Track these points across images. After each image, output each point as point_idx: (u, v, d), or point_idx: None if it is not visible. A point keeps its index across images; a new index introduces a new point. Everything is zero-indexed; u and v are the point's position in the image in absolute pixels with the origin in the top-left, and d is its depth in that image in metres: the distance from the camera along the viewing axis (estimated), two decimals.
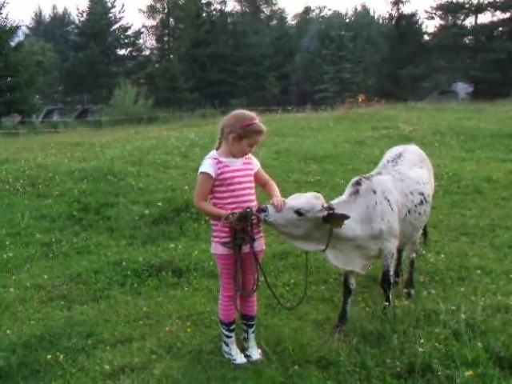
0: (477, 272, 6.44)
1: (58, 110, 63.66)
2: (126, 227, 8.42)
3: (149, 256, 7.15)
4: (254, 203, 4.67)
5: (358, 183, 5.10)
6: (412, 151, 5.99)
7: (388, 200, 5.11)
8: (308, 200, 4.64)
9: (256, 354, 4.77)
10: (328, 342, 4.83)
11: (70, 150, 15.30)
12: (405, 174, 5.52)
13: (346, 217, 4.64)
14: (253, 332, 4.85)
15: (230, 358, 4.72)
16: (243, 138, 4.51)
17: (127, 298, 6.17)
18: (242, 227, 4.43)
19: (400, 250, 6.22)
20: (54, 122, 49.06)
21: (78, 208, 9.18)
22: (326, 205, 4.68)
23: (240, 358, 4.71)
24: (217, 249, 4.66)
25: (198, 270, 6.78)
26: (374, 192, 5.08)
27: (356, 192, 5.06)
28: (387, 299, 5.35)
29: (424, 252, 7.08)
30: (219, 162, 4.56)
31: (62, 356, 4.90)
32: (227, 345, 4.78)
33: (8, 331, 5.43)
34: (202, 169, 4.58)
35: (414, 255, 6.17)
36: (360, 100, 49.93)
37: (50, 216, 8.98)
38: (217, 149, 4.66)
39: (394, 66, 55.35)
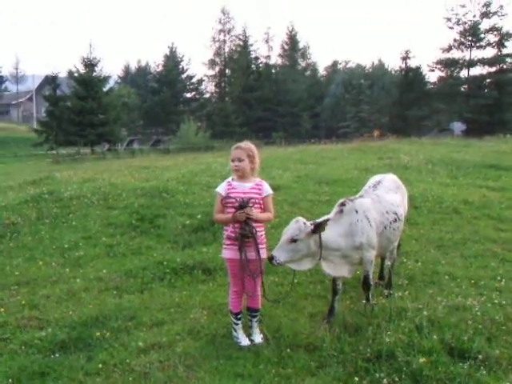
0: (445, 277, 6.29)
1: (137, 140, 64.78)
2: (171, 234, 8.45)
3: (185, 257, 7.16)
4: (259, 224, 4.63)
5: (342, 204, 5.07)
6: (389, 179, 5.92)
7: (367, 218, 5.06)
8: (292, 227, 4.68)
9: (258, 338, 4.75)
10: (316, 331, 4.80)
11: (138, 171, 15.51)
12: (382, 197, 5.45)
13: (326, 220, 4.74)
14: (256, 322, 4.84)
15: (236, 341, 4.73)
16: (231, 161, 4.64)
17: (165, 290, 6.21)
18: (245, 219, 4.41)
19: (382, 258, 6.15)
20: (134, 149, 50.05)
21: (137, 218, 9.25)
22: (307, 222, 4.71)
23: (245, 341, 4.71)
24: (223, 253, 4.72)
25: (224, 269, 6.71)
26: (356, 212, 5.03)
27: (341, 211, 5.02)
28: (367, 298, 5.30)
29: (405, 260, 6.97)
30: (230, 185, 4.62)
31: (108, 334, 4.98)
32: (235, 330, 4.79)
33: (71, 312, 5.55)
34: (217, 188, 4.68)
35: (392, 262, 6.07)
36: (376, 135, 49.82)
37: (115, 224, 9.09)
38: None
39: (403, 108, 55.11)
